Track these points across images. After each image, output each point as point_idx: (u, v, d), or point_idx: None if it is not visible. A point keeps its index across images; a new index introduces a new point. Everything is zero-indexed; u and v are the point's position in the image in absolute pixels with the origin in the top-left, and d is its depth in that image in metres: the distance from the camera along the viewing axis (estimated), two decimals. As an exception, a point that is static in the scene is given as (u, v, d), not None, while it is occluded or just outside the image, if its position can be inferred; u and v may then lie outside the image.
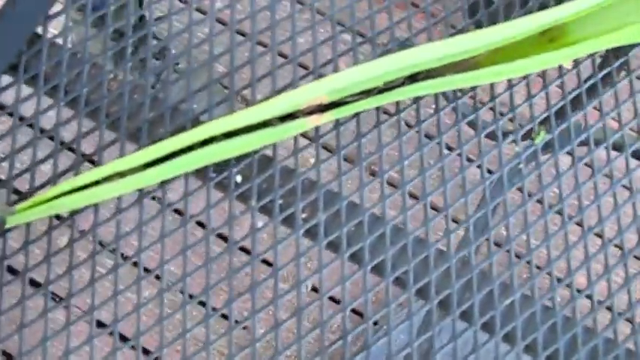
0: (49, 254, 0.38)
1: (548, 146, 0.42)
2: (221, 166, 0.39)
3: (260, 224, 0.39)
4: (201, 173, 0.39)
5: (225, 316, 0.38)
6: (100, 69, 0.40)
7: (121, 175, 0.38)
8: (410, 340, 0.38)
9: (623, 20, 0.39)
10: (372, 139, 0.41)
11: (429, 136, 0.41)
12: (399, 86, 0.40)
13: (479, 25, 0.44)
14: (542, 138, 0.42)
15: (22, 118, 0.40)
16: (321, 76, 0.41)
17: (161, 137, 0.39)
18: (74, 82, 0.40)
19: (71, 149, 0.40)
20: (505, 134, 0.43)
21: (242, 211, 0.39)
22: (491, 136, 0.42)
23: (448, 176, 0.41)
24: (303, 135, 0.39)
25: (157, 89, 0.40)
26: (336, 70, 0.42)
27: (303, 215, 0.39)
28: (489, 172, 0.41)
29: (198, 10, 0.44)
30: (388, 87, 0.39)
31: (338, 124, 0.40)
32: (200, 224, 0.39)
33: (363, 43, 0.43)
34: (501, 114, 0.42)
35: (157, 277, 0.39)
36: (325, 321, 0.38)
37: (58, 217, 0.39)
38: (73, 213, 0.38)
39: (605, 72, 0.43)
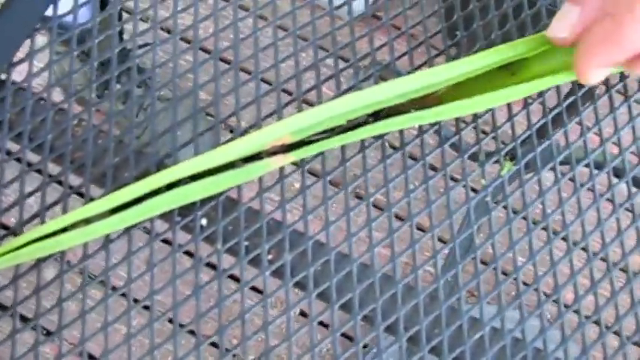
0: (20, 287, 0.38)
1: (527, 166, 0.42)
2: (186, 210, 0.39)
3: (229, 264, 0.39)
4: (166, 216, 0.39)
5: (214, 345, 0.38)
6: (64, 115, 0.40)
7: (87, 221, 0.38)
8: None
9: None
10: (338, 175, 0.41)
11: (413, 158, 0.42)
12: (362, 124, 0.40)
13: (458, 47, 0.44)
14: (508, 169, 0.42)
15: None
16: (305, 101, 0.41)
17: (126, 181, 0.39)
18: (39, 129, 0.40)
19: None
20: (474, 159, 0.43)
21: (209, 254, 0.39)
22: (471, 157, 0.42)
23: (415, 210, 0.41)
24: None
25: (121, 134, 0.40)
26: (319, 95, 0.42)
27: (270, 256, 0.39)
28: (474, 190, 0.41)
29: (165, 28, 0.44)
30: (352, 125, 0.40)
31: (304, 162, 0.40)
32: (188, 253, 0.40)
33: (345, 69, 0.43)
34: (483, 132, 0.42)
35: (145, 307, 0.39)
36: (298, 358, 0.38)
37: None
38: (39, 260, 0.39)
39: (569, 101, 0.43)
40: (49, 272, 0.39)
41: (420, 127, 0.42)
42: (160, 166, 0.40)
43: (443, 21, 0.45)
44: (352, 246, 0.39)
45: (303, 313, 0.40)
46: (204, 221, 0.39)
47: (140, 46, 0.44)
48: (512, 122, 0.42)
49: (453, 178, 0.42)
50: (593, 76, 0.37)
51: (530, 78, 0.41)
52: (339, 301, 0.39)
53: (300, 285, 0.39)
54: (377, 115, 0.40)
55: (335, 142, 0.40)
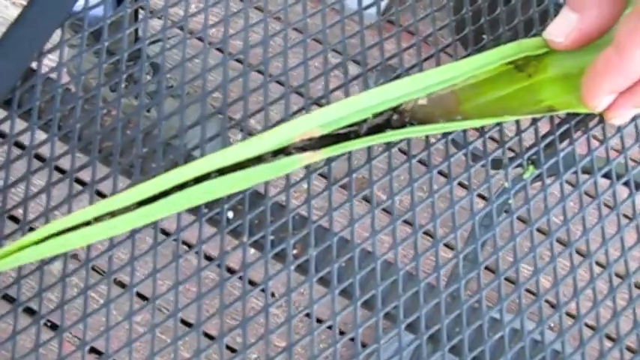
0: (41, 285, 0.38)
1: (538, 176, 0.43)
2: (213, 202, 0.39)
3: (252, 258, 0.39)
4: (193, 209, 0.39)
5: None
6: (93, 104, 0.41)
7: (112, 214, 0.38)
8: (400, 374, 0.38)
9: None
10: (364, 171, 0.41)
11: (422, 162, 0.42)
12: (388, 120, 0.40)
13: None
14: (531, 173, 0.42)
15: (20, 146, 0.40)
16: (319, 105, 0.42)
17: (154, 172, 0.39)
18: (68, 117, 0.40)
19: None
20: (497, 165, 0.43)
21: (234, 247, 0.39)
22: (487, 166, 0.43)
23: (440, 209, 0.41)
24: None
25: (151, 125, 0.40)
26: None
27: (295, 251, 0.39)
28: (483, 197, 0.42)
29: (199, 39, 0.44)
30: (376, 122, 0.40)
31: (329, 160, 0.41)
32: (197, 253, 0.40)
33: (370, 70, 0.44)
34: (495, 140, 0.43)
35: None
36: (317, 355, 0.38)
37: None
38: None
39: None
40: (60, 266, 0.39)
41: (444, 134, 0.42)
42: (188, 158, 0.40)
43: (470, 23, 0.46)
44: (376, 243, 0.40)
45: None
46: (230, 214, 0.39)
47: (170, 37, 0.45)
48: (536, 127, 0.43)
49: (461, 184, 0.42)
50: (599, 103, 0.38)
51: (546, 80, 0.42)
52: (362, 298, 0.39)
53: (323, 281, 0.40)
54: (400, 111, 0.41)
55: (361, 143, 0.40)
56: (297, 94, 0.43)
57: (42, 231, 0.37)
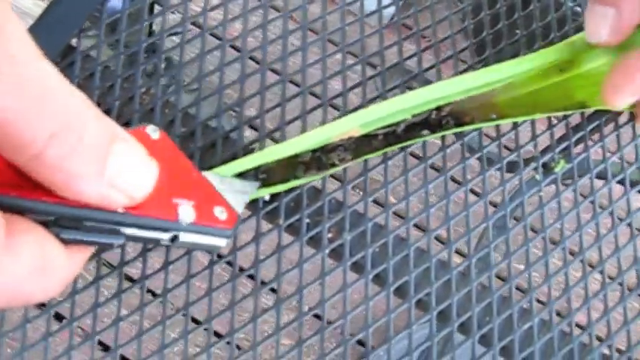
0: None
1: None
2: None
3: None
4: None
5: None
6: (132, 83, 0.41)
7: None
8: (430, 361, 0.39)
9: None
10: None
11: (437, 169, 0.42)
12: (426, 119, 0.41)
13: (486, 64, 0.45)
14: (562, 167, 0.43)
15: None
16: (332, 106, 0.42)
17: (191, 153, 0.39)
18: (106, 95, 0.41)
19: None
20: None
21: (269, 229, 0.39)
22: (508, 168, 0.43)
23: (470, 202, 0.42)
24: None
25: (189, 105, 0.40)
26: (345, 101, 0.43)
27: (329, 235, 0.39)
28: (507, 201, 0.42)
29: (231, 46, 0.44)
30: (415, 119, 0.40)
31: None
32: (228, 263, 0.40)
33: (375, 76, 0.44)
34: (507, 148, 0.43)
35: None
36: (348, 339, 0.38)
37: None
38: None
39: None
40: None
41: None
42: (225, 139, 0.40)
43: (471, 37, 0.46)
44: (410, 230, 0.40)
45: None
46: (266, 196, 0.39)
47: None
48: (567, 122, 0.44)
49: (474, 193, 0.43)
50: (622, 102, 0.39)
51: (579, 76, 0.42)
52: (395, 284, 0.39)
53: (355, 267, 0.40)
54: (438, 107, 0.41)
55: (396, 146, 0.40)
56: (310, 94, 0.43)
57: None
